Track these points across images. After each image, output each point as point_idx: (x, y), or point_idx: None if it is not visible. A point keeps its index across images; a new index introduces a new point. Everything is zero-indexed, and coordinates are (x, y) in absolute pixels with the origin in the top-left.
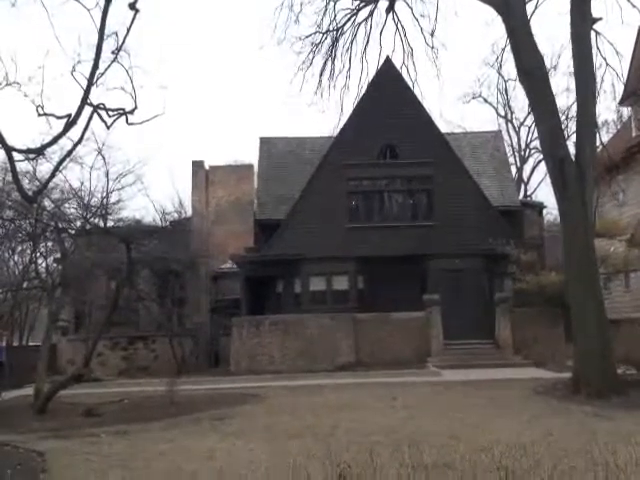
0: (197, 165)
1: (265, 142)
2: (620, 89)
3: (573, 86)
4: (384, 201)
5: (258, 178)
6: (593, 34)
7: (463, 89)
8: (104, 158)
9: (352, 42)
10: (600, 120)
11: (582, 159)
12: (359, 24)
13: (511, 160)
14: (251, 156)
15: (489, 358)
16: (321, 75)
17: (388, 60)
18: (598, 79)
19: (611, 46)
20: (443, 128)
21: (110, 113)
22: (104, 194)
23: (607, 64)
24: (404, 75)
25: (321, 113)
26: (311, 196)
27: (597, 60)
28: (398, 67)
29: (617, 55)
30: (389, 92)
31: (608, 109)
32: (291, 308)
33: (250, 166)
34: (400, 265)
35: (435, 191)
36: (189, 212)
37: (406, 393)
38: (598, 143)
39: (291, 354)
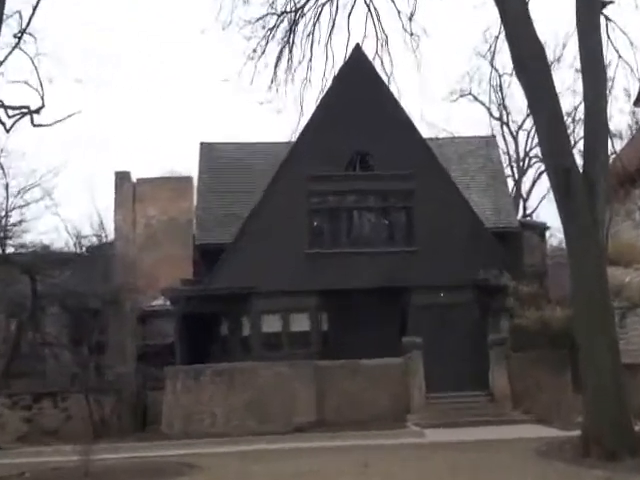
0: (122, 177)
1: (207, 148)
2: (635, 87)
3: (580, 83)
4: (354, 221)
5: (198, 193)
6: (603, 21)
7: (449, 85)
8: (2, 168)
9: (314, 26)
10: (612, 124)
11: (591, 170)
12: (322, 4)
13: (507, 171)
14: (190, 166)
15: (482, 414)
16: (276, 66)
17: (358, 49)
18: (609, 75)
19: (625, 36)
20: (425, 132)
21: (10, 112)
22: (2, 213)
23: (620, 57)
24: (378, 68)
25: (277, 113)
26: (264, 215)
27: (608, 52)
28: (370, 58)
29: (631, 47)
30: (360, 88)
31: (621, 111)
32: (239, 354)
33: (188, 178)
34: (373, 300)
35: (416, 209)
36: (111, 235)
37: (380, 459)
38: (610, 151)
39: (238, 412)
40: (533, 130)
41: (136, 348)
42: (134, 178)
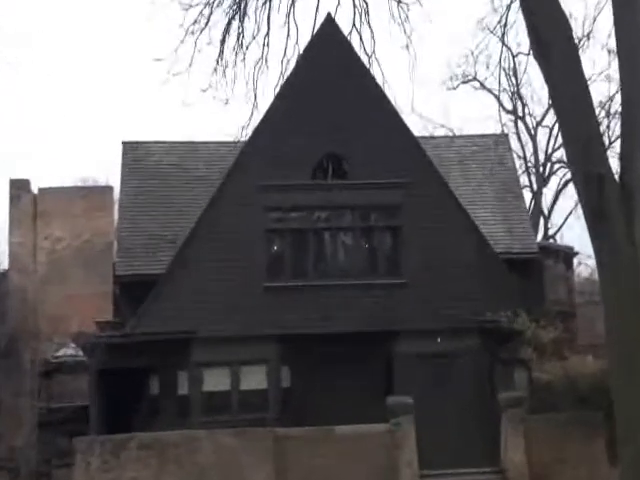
0: (18, 186)
1: (131, 149)
2: None
3: (615, 67)
4: (325, 245)
5: (120, 208)
6: None
7: (448, 68)
8: None
9: None
10: None
11: (630, 177)
12: None
13: (524, 180)
14: (110, 173)
15: None
16: (223, 43)
17: (330, 21)
18: None
19: None
20: (418, 129)
21: None
22: None
23: None
24: (355, 46)
25: (223, 104)
26: (207, 237)
27: None
28: (346, 33)
29: None
30: (331, 72)
31: None
32: (173, 420)
33: (107, 189)
34: (350, 348)
35: (405, 229)
36: (4, 264)
37: None
38: None
39: None
40: (556, 127)
41: (37, 412)
42: (35, 188)
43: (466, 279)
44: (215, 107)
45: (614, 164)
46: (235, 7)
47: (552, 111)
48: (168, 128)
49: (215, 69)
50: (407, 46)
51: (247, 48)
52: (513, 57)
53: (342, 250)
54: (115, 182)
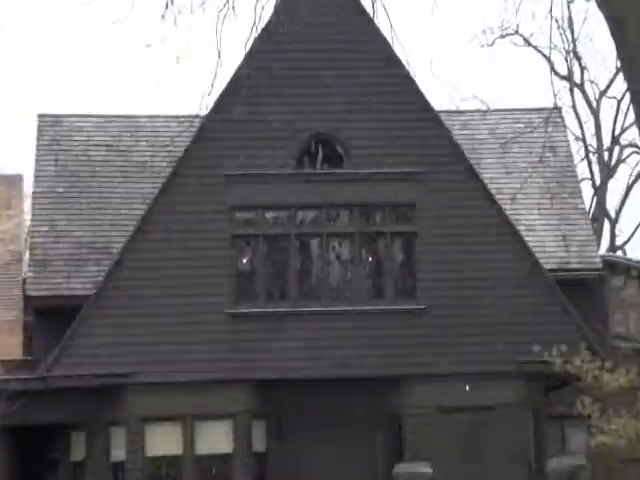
0: None
1: (50, 124)
2: None
3: None
4: (312, 257)
5: (34, 204)
6: None
7: (481, 20)
8: None
9: None
10: None
11: None
12: None
13: (582, 170)
14: (21, 159)
15: None
16: None
17: None
18: None
19: None
20: (439, 100)
21: None
22: None
23: None
24: None
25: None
26: (151, 246)
27: None
28: None
29: None
30: (322, 20)
31: None
32: None
33: (15, 178)
34: (346, 399)
35: (422, 237)
36: None
37: None
38: None
39: None
40: (627, 98)
41: None
42: None
43: (504, 305)
44: (166, 69)
45: None
46: None
47: (621, 76)
48: (102, 103)
49: (163, 16)
50: None
51: None
52: (568, 4)
53: (336, 264)
54: (27, 169)
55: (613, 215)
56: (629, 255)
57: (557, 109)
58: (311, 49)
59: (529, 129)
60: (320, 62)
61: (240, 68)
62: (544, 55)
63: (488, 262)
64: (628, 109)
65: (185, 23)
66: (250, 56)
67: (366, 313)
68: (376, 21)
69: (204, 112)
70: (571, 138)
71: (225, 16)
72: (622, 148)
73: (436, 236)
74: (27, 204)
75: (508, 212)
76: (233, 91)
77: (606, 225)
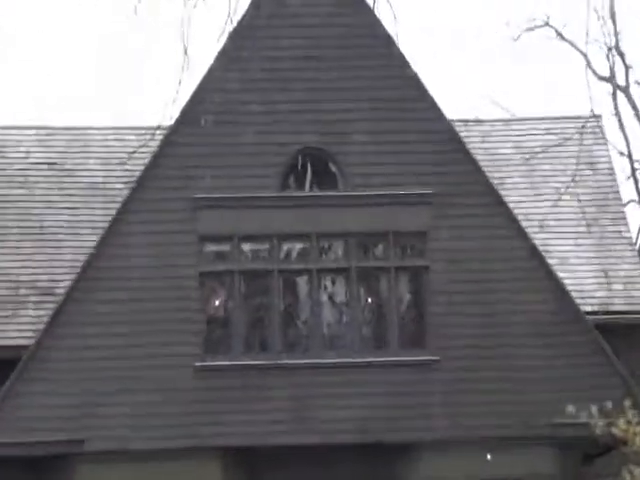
0: None
1: None
2: None
3: None
4: (299, 298)
5: None
6: None
7: (507, 10)
8: None
9: None
10: None
11: None
12: None
13: (628, 191)
14: None
15: None
16: None
17: None
18: None
19: None
20: (454, 107)
21: None
22: None
23: None
24: None
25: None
26: (104, 284)
27: None
28: None
29: None
30: (311, 12)
31: None
32: None
33: None
34: (341, 471)
35: (434, 273)
36: None
37: None
38: None
39: None
40: None
41: None
42: None
43: (532, 355)
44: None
45: None
46: None
47: None
48: (46, 113)
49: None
50: None
51: None
52: None
53: (328, 307)
54: None
55: None
56: None
57: (596, 117)
58: (298, 45)
59: (562, 141)
60: (310, 62)
61: (211, 70)
62: (580, 51)
63: (513, 303)
64: None
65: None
66: (224, 54)
67: (365, 366)
68: (377, 12)
69: (168, 123)
70: (613, 152)
71: (194, 6)
72: None
73: (451, 272)
74: None
75: (537, 242)
76: (203, 97)
77: None
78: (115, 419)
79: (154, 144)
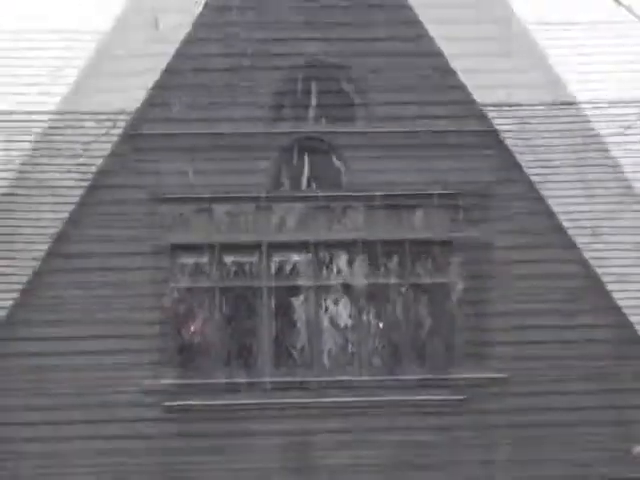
0: None
1: None
2: None
3: None
4: (293, 323)
5: None
6: None
7: None
8: None
9: None
10: None
11: None
12: None
13: None
14: None
15: None
16: None
17: None
18: None
19: None
20: (482, 90)
21: None
22: None
23: None
24: None
25: None
26: (51, 303)
27: None
28: None
29: None
30: None
31: None
32: None
33: None
34: None
35: (462, 292)
36: None
37: None
38: None
39: None
40: None
41: None
42: None
43: (588, 392)
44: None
45: None
46: None
47: None
48: None
49: None
50: None
51: None
52: None
53: (330, 333)
54: None
55: None
56: None
57: None
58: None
59: (621, 130)
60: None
61: (187, 41)
62: None
63: (560, 329)
64: None
65: None
66: (201, 22)
67: (376, 407)
68: None
69: (133, 107)
70: None
71: None
72: None
73: (481, 291)
74: None
75: (590, 254)
76: (177, 73)
77: None
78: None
79: (116, 132)
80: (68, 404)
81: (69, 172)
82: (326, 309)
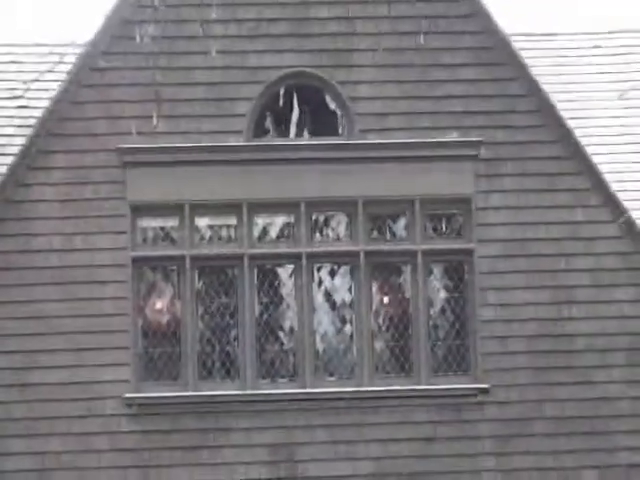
0: None
1: None
2: None
3: None
4: (280, 300)
5: None
6: None
7: None
8: None
9: None
10: None
11: None
12: None
13: None
14: None
15: None
16: None
17: None
18: None
19: None
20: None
21: None
22: None
23: None
24: None
25: None
26: None
27: None
28: None
29: None
30: None
31: None
32: None
33: None
34: None
35: (482, 262)
36: None
37: None
38: None
39: None
40: None
41: None
42: None
43: (618, 381)
44: None
45: None
46: None
47: None
48: None
49: None
50: None
51: None
52: None
53: (325, 310)
54: None
55: None
56: None
57: None
58: None
59: None
60: None
61: None
62: None
63: (597, 305)
64: None
65: None
66: None
67: (380, 399)
68: None
69: (86, 38)
70: None
71: None
72: None
73: (506, 258)
74: None
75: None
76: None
77: None
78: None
79: (64, 69)
80: None
81: (9, 117)
82: (320, 282)
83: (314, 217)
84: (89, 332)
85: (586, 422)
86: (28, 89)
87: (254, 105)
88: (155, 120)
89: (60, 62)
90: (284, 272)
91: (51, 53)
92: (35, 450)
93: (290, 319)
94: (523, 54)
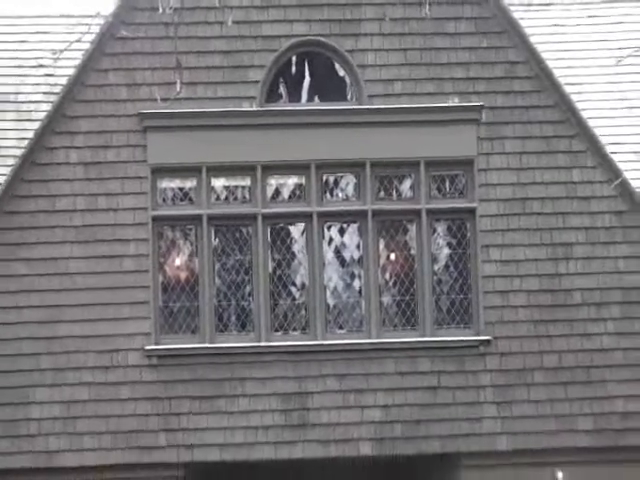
0: None
1: None
2: None
3: None
4: (293, 257)
5: None
6: None
7: None
8: None
9: None
10: None
11: None
12: None
13: None
14: None
15: None
16: None
17: None
18: None
19: None
20: None
21: None
22: None
23: None
24: None
25: None
26: (17, 236)
27: None
28: None
29: None
30: None
31: None
32: None
33: None
34: None
35: (484, 220)
36: None
37: None
38: None
39: None
40: None
41: None
42: None
43: (617, 334)
44: None
45: None
46: None
47: None
48: None
49: None
50: None
51: None
52: None
53: (335, 266)
54: None
55: None
56: None
57: None
58: None
59: None
60: None
61: None
62: None
63: (594, 261)
64: None
65: None
66: None
67: (387, 350)
68: None
69: (108, 10)
70: None
71: None
72: None
73: (507, 217)
74: None
75: (633, 176)
76: None
77: None
78: (37, 424)
79: (89, 39)
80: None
81: (36, 85)
82: (330, 240)
83: (324, 178)
84: (111, 288)
85: (582, 372)
86: (58, 58)
87: (267, 72)
88: (179, 86)
89: (87, 32)
90: (296, 230)
91: (79, 24)
92: (61, 399)
93: (302, 275)
94: (522, 23)
